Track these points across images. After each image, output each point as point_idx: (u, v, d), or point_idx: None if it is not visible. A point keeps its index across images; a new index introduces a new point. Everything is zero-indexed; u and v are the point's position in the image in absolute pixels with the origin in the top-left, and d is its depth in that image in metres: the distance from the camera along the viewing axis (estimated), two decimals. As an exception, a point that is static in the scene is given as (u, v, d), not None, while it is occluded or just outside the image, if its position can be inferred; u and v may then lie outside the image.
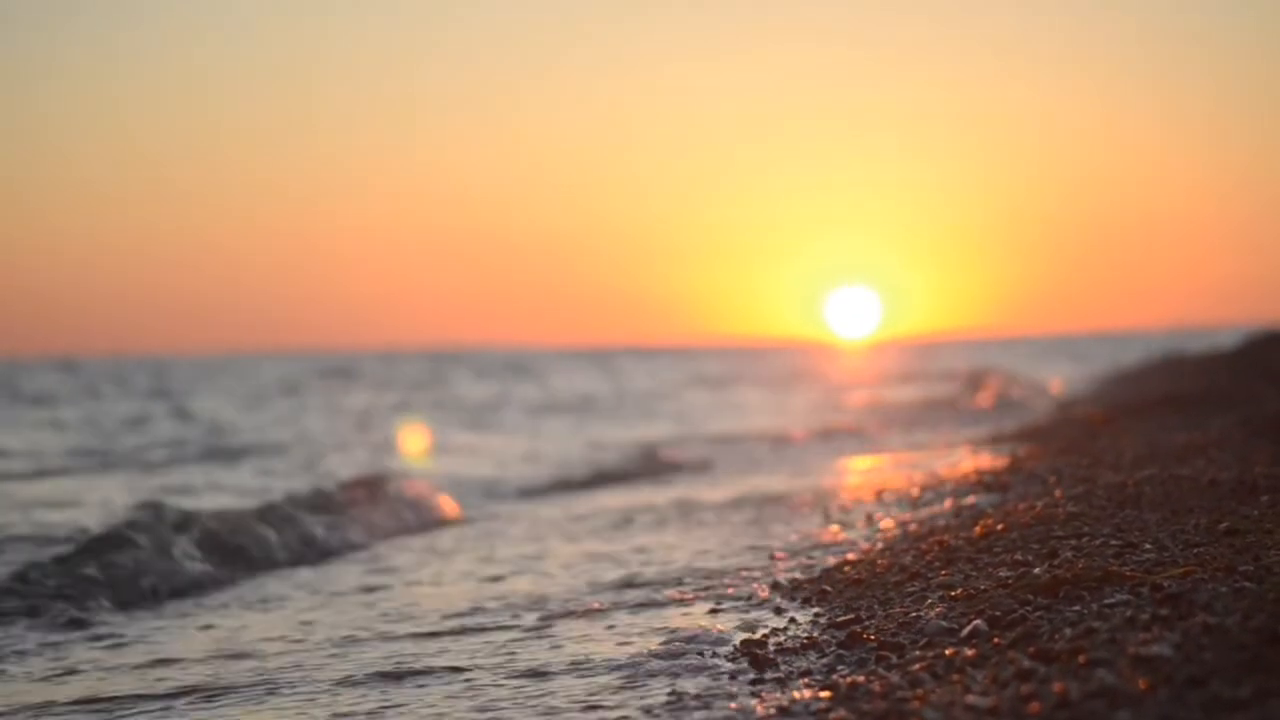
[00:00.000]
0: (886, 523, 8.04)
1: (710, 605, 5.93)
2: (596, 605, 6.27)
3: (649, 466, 15.85)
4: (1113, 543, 5.45)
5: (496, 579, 7.47)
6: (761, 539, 8.27)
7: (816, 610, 5.49)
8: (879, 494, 9.91)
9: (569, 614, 6.12)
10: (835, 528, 8.31)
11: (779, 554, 7.38)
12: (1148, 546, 5.30)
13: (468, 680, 4.92)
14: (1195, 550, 5.12)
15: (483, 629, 5.94)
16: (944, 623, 4.51)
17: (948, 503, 8.43)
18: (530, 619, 6.08)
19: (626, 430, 23.40)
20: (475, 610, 6.43)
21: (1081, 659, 3.56)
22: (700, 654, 4.90)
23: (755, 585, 6.31)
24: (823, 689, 3.97)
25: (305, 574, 8.46)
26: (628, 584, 6.86)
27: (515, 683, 4.82)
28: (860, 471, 13.33)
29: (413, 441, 21.60)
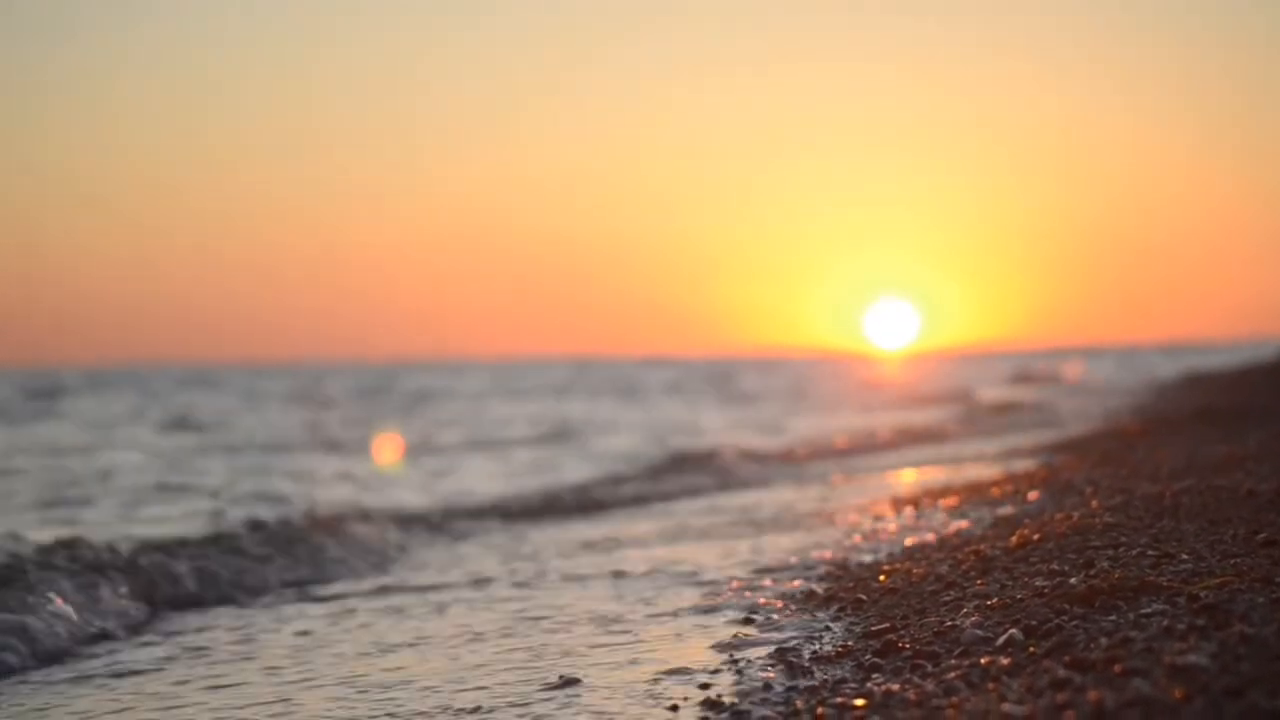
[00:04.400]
0: (925, 533, 8.02)
1: (744, 613, 5.92)
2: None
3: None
4: (1149, 553, 5.43)
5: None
6: (798, 546, 8.26)
7: (852, 619, 5.49)
8: (916, 503, 9.89)
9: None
10: (869, 535, 8.30)
11: (813, 562, 7.37)
12: (1185, 557, 5.28)
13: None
14: (1233, 561, 5.09)
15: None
16: (980, 632, 4.50)
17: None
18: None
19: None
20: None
21: (1117, 668, 3.55)
22: (735, 661, 4.91)
23: (792, 590, 6.30)
24: (857, 697, 3.96)
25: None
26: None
27: (550, 694, 4.84)
28: (903, 480, 13.30)
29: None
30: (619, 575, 7.65)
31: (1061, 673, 3.64)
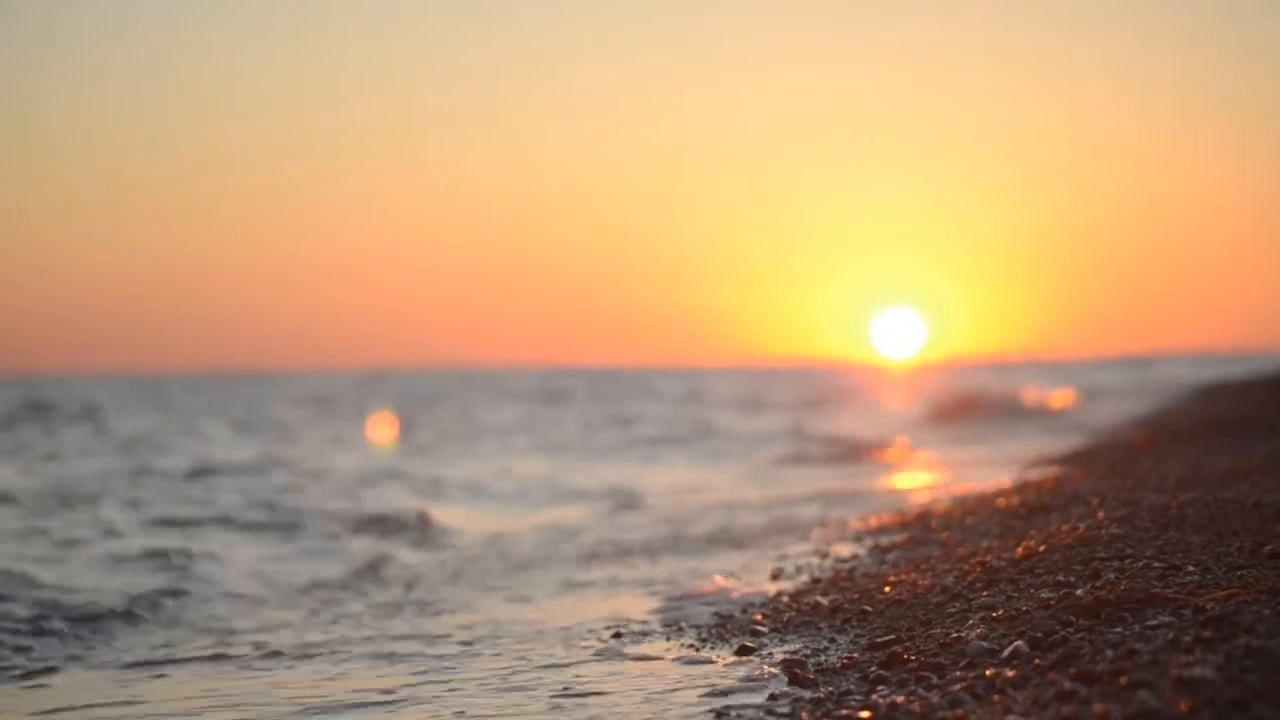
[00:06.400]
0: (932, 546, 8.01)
1: (751, 625, 5.91)
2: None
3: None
4: (1156, 565, 5.42)
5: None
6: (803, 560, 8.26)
7: (857, 630, 5.48)
8: (924, 514, 9.88)
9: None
10: (874, 548, 8.29)
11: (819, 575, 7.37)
12: (1191, 569, 5.27)
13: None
14: (1239, 573, 5.09)
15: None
16: (985, 644, 4.49)
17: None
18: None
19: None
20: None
21: (1123, 681, 3.54)
22: (742, 674, 4.90)
23: (795, 604, 6.30)
24: (863, 709, 3.96)
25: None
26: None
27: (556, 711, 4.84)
28: (907, 490, 13.29)
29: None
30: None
31: (1067, 685, 3.63)
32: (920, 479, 15.44)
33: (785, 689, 4.54)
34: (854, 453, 20.95)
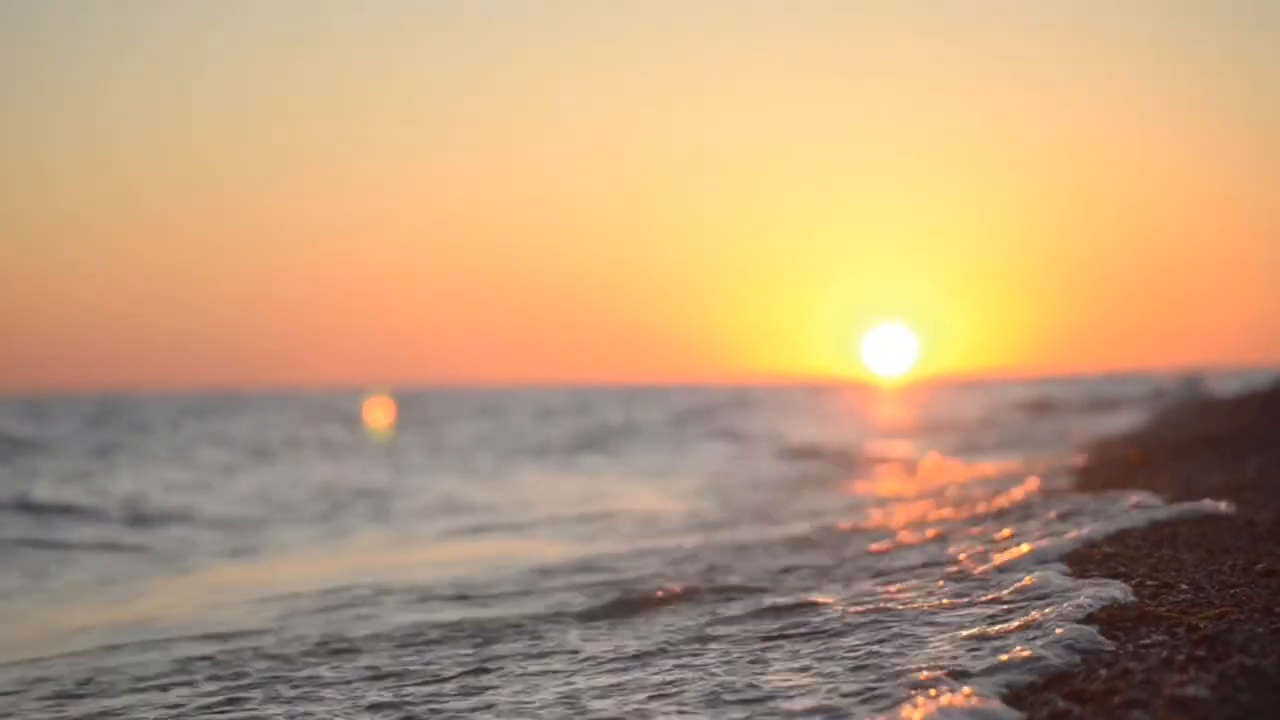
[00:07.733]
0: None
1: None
2: None
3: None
4: (1148, 583, 5.43)
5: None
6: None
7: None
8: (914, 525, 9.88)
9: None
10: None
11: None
12: (1184, 587, 5.27)
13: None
14: (1232, 591, 5.09)
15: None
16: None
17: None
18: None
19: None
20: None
21: (1117, 700, 3.55)
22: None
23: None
24: (857, 728, 3.96)
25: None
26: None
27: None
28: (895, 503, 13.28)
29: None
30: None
31: (1061, 704, 3.64)
32: (908, 495, 15.45)
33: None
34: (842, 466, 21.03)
